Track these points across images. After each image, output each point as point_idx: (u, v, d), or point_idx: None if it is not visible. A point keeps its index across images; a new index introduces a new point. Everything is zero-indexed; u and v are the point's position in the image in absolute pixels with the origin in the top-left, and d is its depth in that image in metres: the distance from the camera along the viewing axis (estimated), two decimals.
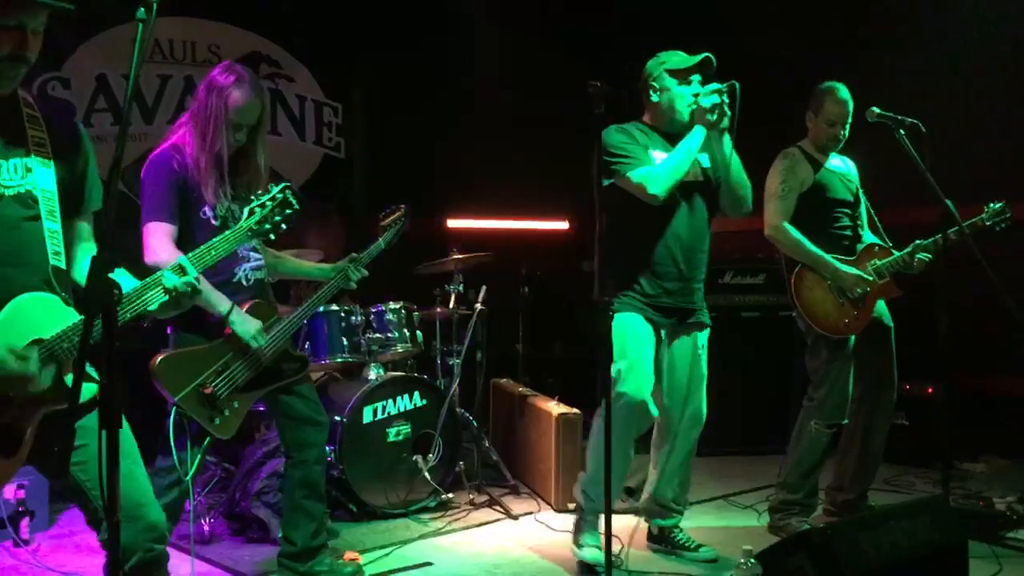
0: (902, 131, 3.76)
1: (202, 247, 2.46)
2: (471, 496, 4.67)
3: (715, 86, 3.50)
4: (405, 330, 4.71)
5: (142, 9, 1.82)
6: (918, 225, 4.17)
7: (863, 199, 4.24)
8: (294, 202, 2.63)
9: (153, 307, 2.23)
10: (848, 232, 4.13)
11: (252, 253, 3.34)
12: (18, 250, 2.14)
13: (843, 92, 4.05)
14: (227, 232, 2.53)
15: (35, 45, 2.13)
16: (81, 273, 2.32)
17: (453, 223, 6.81)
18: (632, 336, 3.57)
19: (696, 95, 3.57)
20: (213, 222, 3.16)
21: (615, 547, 3.27)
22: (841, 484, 4.23)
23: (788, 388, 5.48)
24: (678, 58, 3.66)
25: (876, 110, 3.83)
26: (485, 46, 6.77)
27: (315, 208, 4.65)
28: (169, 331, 3.24)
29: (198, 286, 2.32)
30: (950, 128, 3.77)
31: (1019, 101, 5.38)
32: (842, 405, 4.03)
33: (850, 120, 4.06)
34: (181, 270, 2.30)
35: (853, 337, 4.01)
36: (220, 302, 3.13)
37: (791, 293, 4.03)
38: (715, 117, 3.49)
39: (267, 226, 2.59)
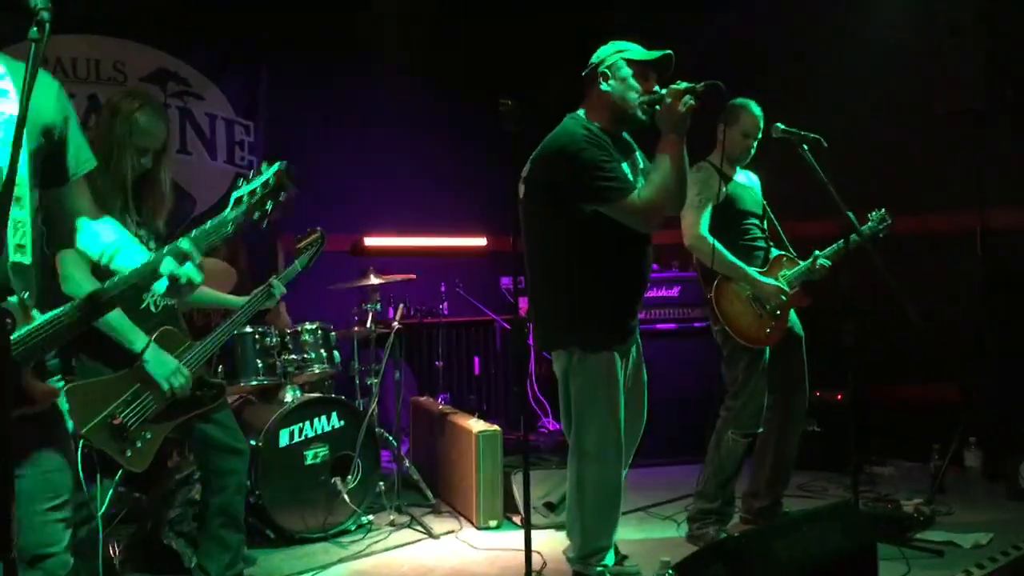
0: (805, 146, 3.87)
1: (185, 238, 2.15)
2: (392, 517, 4.62)
3: (686, 85, 3.18)
4: (322, 350, 4.65)
5: (34, 29, 1.76)
6: (817, 237, 4.32)
7: (769, 212, 4.36)
8: (289, 184, 2.26)
9: (160, 290, 2.03)
10: (760, 244, 4.23)
11: None
12: None
13: (757, 107, 4.16)
14: (206, 224, 2.15)
15: None
16: (84, 242, 2.17)
17: (370, 241, 6.76)
18: (613, 400, 3.34)
19: (661, 92, 3.24)
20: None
21: (536, 562, 3.27)
22: (756, 491, 4.32)
23: (706, 398, 5.57)
24: (637, 50, 3.36)
25: (780, 126, 3.93)
26: (396, 60, 6.75)
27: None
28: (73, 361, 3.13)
29: (198, 277, 2.07)
30: (839, 142, 3.89)
31: (905, 115, 5.62)
32: (758, 414, 4.10)
33: (760, 135, 4.16)
34: (183, 255, 2.04)
35: (768, 347, 4.11)
36: (135, 337, 3.04)
37: (711, 305, 4.09)
38: (687, 122, 3.21)
39: (256, 215, 2.20)
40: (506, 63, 6.43)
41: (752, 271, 4.07)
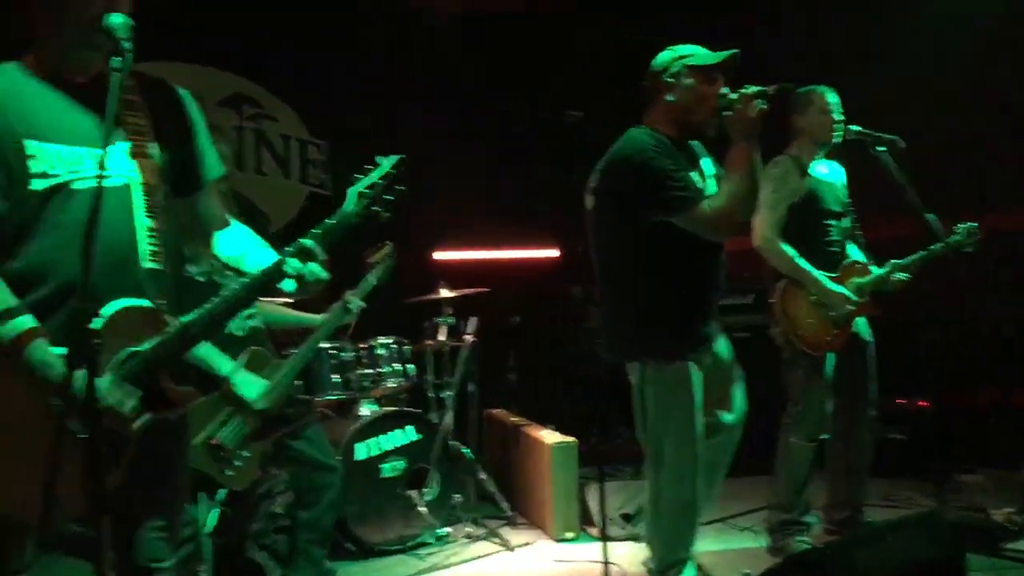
0: (881, 147, 3.78)
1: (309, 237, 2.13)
2: (468, 529, 4.65)
3: (756, 89, 3.05)
4: (396, 364, 4.70)
5: (116, 59, 1.83)
6: (886, 240, 4.21)
7: (850, 210, 4.21)
8: (406, 175, 2.23)
9: (290, 288, 2.08)
10: (836, 245, 4.11)
11: None
12: (116, 251, 1.97)
13: (827, 88, 4.04)
14: (328, 221, 2.13)
15: (126, 2, 1.98)
16: (220, 247, 2.25)
17: (439, 255, 6.82)
18: (689, 411, 3.25)
19: (731, 97, 3.10)
20: (199, 279, 3.16)
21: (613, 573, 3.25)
22: (834, 502, 4.21)
23: (781, 408, 5.47)
24: (701, 53, 3.24)
25: (854, 127, 3.85)
26: (461, 74, 6.80)
27: None
28: None
29: (324, 274, 2.08)
30: (915, 141, 3.78)
31: (981, 113, 5.45)
32: (820, 421, 4.01)
33: (841, 116, 4.00)
34: (308, 253, 2.05)
35: (831, 353, 4.01)
36: (221, 362, 3.11)
37: (775, 306, 4.02)
38: (758, 127, 3.08)
39: (376, 208, 2.18)
40: (574, 74, 6.44)
41: (821, 277, 3.98)
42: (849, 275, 4.07)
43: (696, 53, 3.25)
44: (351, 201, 2.15)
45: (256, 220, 3.21)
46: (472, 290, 5.10)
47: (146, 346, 1.97)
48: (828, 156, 4.17)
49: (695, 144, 3.44)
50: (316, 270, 2.06)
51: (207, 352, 3.06)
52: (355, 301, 3.78)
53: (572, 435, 4.69)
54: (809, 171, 4.07)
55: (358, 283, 3.85)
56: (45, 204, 1.95)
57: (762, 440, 5.37)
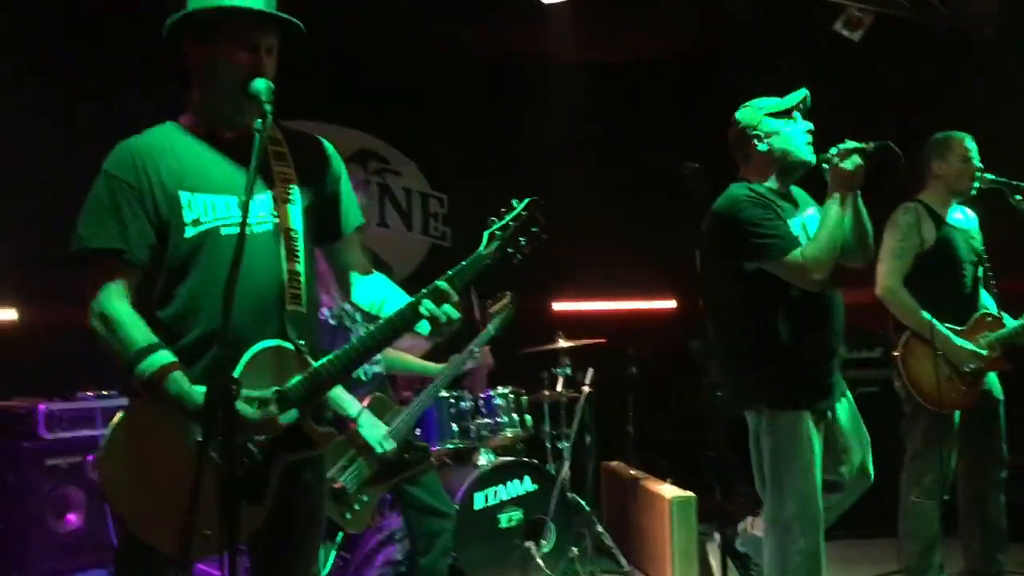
0: (1018, 196, 3.65)
1: (442, 279, 2.16)
2: None
3: (854, 145, 3.13)
4: (514, 414, 4.72)
5: (259, 120, 1.96)
6: (1018, 293, 4.01)
7: (984, 260, 4.05)
8: (540, 217, 2.24)
9: (423, 331, 2.15)
10: (966, 295, 3.96)
11: None
12: (260, 295, 2.08)
13: (965, 134, 3.95)
14: (464, 263, 2.17)
15: (270, 67, 2.13)
16: (359, 294, 2.33)
17: (558, 306, 6.85)
18: (806, 462, 3.17)
19: (830, 152, 3.18)
20: (330, 322, 3.28)
21: None
22: (972, 568, 3.99)
23: None
24: (774, 102, 3.36)
25: (990, 176, 3.73)
26: (579, 126, 6.87)
27: None
28: None
29: (456, 314, 2.13)
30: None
31: None
32: (942, 480, 3.82)
33: (979, 162, 3.91)
34: (442, 295, 2.10)
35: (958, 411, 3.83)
36: (349, 404, 3.20)
37: (897, 359, 3.88)
38: (856, 181, 3.14)
39: (509, 250, 2.20)
40: (688, 126, 6.42)
41: (947, 331, 3.81)
42: (980, 328, 3.90)
43: (768, 103, 3.33)
44: (483, 243, 2.19)
45: (380, 272, 3.33)
46: (589, 340, 5.09)
47: (288, 386, 2.05)
48: (962, 203, 4.04)
49: (799, 192, 3.44)
50: (450, 311, 2.10)
51: (335, 394, 3.15)
52: (477, 351, 3.85)
53: (691, 490, 4.60)
54: (946, 218, 3.95)
55: (478, 334, 3.93)
56: (197, 250, 2.09)
57: (894, 500, 5.17)
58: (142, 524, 2.03)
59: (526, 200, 2.24)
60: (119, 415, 2.09)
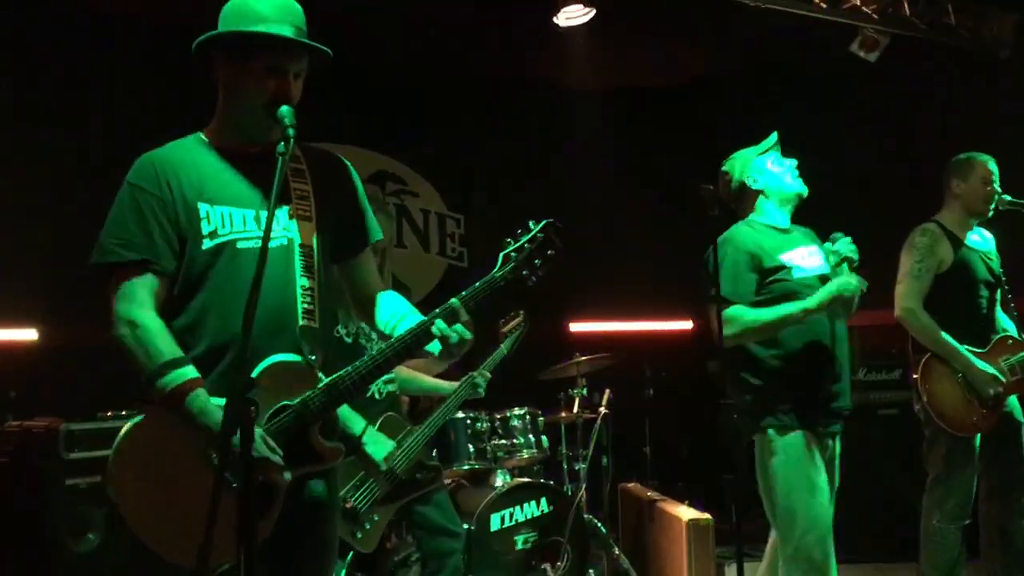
0: None
1: (456, 299, 2.17)
2: None
3: (848, 246, 3.23)
4: (530, 435, 4.71)
5: (281, 144, 1.98)
6: None
7: (1003, 281, 4.01)
8: (556, 240, 2.23)
9: (433, 350, 2.15)
10: (985, 317, 3.92)
11: None
12: (274, 309, 2.09)
13: (986, 156, 3.94)
14: (477, 284, 2.18)
15: (296, 91, 2.17)
16: (385, 315, 2.30)
17: (575, 327, 6.85)
18: (812, 479, 3.20)
19: (836, 255, 3.26)
20: (346, 340, 3.29)
21: None
22: None
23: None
24: (757, 148, 3.51)
25: (1007, 197, 3.71)
26: (596, 149, 6.90)
27: None
28: None
29: (468, 334, 2.15)
30: None
31: None
32: (965, 504, 3.78)
33: (999, 185, 3.91)
34: (454, 314, 2.12)
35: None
36: (354, 422, 3.21)
37: (917, 381, 3.85)
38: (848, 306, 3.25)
39: (524, 271, 2.20)
40: (703, 148, 6.44)
41: (967, 353, 3.78)
42: (1000, 351, 3.86)
43: (753, 150, 3.49)
44: (498, 265, 2.19)
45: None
46: (604, 357, 5.07)
47: (297, 400, 2.06)
48: (979, 224, 4.02)
49: (804, 231, 3.52)
50: (462, 331, 2.12)
51: (343, 412, 3.16)
52: (483, 377, 3.86)
53: (709, 512, 4.57)
54: (964, 240, 3.93)
55: (490, 353, 3.94)
56: (214, 262, 2.11)
57: (917, 525, 5.12)
58: (153, 534, 2.03)
59: (543, 222, 2.24)
60: (129, 423, 2.09)
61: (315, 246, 2.19)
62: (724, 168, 3.56)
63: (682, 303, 6.98)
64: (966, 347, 3.80)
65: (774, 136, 3.50)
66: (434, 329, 2.10)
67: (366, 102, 6.26)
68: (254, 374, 2.03)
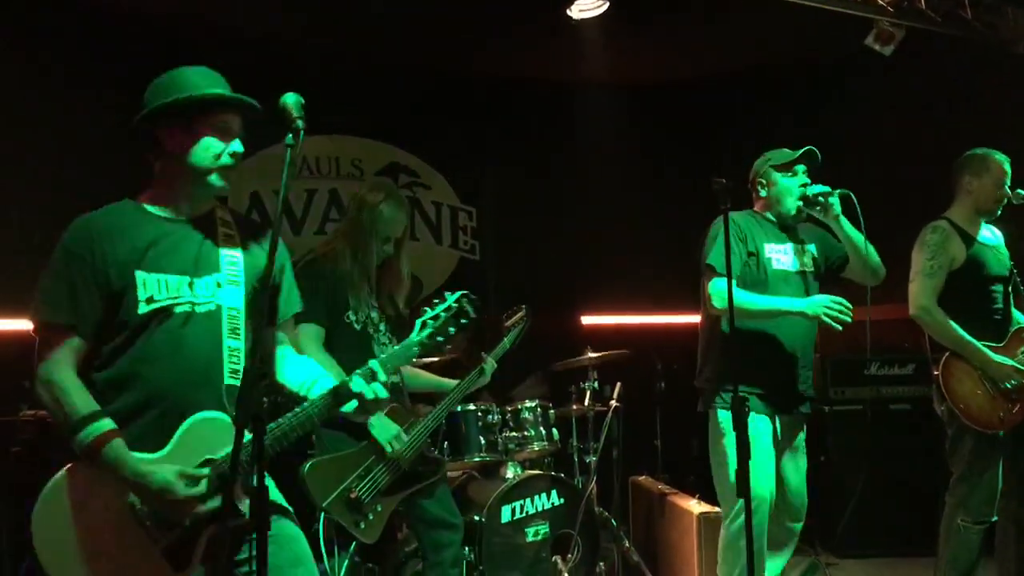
0: None
1: (375, 360, 2.36)
2: None
3: (821, 188, 3.63)
4: (541, 428, 4.72)
5: (290, 136, 1.99)
6: None
7: (1015, 276, 4.00)
8: (470, 310, 2.43)
9: (348, 410, 2.30)
10: (1000, 312, 3.90)
11: None
12: (202, 368, 2.22)
13: (1001, 155, 3.92)
14: (396, 348, 2.40)
15: (237, 145, 2.30)
16: (287, 375, 2.43)
17: (587, 320, 6.85)
18: (757, 452, 3.46)
19: (803, 186, 3.71)
20: (355, 326, 3.33)
21: None
22: None
23: (943, 486, 5.17)
24: (782, 154, 3.79)
25: (1021, 191, 3.68)
26: (609, 143, 6.88)
27: None
28: None
29: (384, 393, 2.30)
30: None
31: None
32: (989, 502, 3.76)
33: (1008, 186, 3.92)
34: (372, 375, 2.29)
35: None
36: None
37: (938, 381, 3.83)
38: (819, 209, 3.66)
39: (440, 338, 2.39)
40: (718, 142, 6.43)
41: (984, 348, 3.77)
42: (1017, 344, 3.84)
43: (779, 155, 3.80)
44: (416, 330, 2.38)
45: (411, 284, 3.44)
46: (616, 352, 5.08)
47: (220, 455, 2.16)
48: (989, 221, 4.01)
49: (807, 229, 3.91)
50: (378, 390, 2.27)
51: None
52: (490, 365, 3.91)
53: (717, 505, 4.57)
54: (976, 236, 3.92)
55: (493, 347, 3.97)
56: (148, 323, 2.21)
57: (929, 520, 5.11)
58: None
59: (457, 294, 2.43)
60: (54, 478, 2.18)
61: (242, 309, 2.30)
62: (756, 162, 3.89)
63: (694, 297, 6.94)
64: (983, 343, 3.78)
65: (807, 149, 3.73)
66: (353, 385, 2.25)
67: (380, 95, 6.27)
68: (180, 430, 2.15)
